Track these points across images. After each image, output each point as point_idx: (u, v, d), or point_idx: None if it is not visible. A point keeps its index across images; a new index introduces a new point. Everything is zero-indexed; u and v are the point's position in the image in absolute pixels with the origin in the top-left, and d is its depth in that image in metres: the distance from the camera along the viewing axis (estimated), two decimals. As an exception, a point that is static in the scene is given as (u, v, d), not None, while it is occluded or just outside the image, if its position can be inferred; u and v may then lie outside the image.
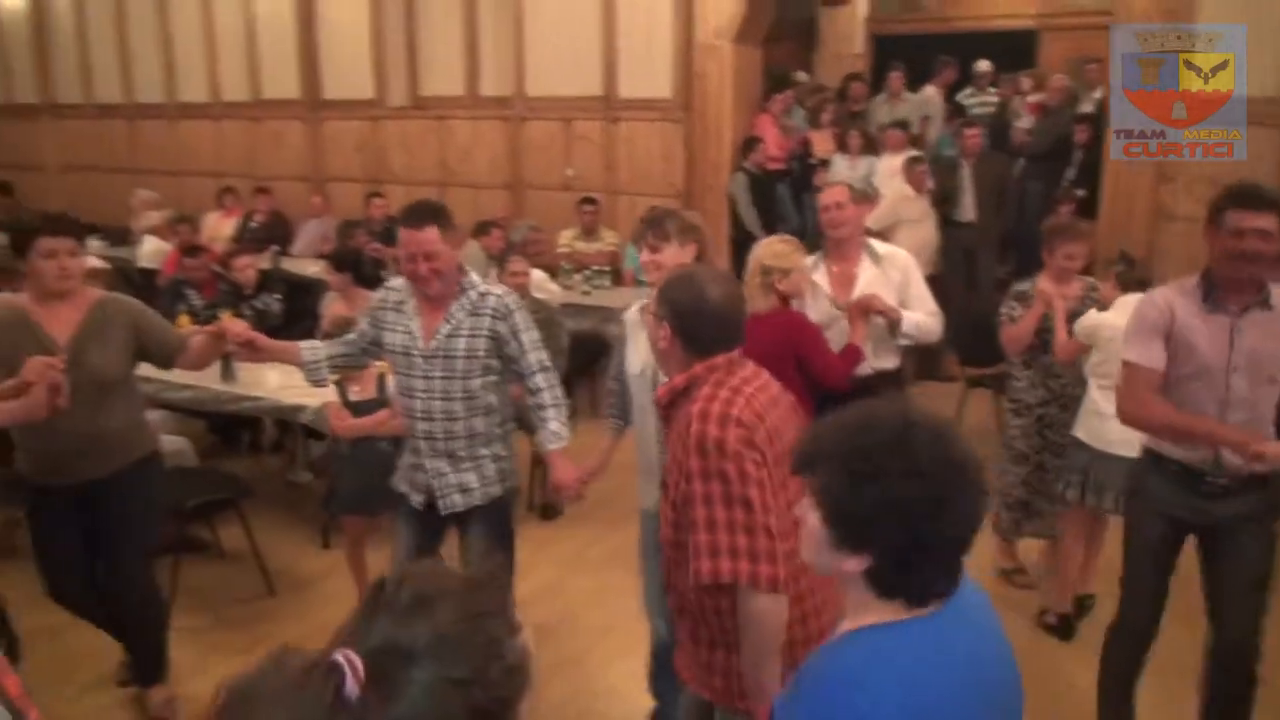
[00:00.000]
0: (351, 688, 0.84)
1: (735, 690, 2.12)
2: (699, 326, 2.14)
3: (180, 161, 10.72)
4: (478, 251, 6.59)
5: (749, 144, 7.64)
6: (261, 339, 3.08)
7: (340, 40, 9.45)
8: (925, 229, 6.74)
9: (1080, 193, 6.68)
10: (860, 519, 1.28)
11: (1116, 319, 3.53)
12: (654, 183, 8.12)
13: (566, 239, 7.78)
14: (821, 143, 7.86)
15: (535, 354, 3.02)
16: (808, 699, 1.31)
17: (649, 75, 7.99)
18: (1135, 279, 3.82)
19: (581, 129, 8.43)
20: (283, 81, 9.80)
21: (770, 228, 7.44)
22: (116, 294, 3.42)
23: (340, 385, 3.85)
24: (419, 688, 0.86)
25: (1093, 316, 3.76)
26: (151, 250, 7.54)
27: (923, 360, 7.17)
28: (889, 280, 3.78)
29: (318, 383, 3.30)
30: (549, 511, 4.97)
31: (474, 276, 3.06)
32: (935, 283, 6.92)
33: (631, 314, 3.09)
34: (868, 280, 3.79)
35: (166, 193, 10.13)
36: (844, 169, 7.50)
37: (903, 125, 7.51)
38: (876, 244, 3.94)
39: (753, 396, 2.08)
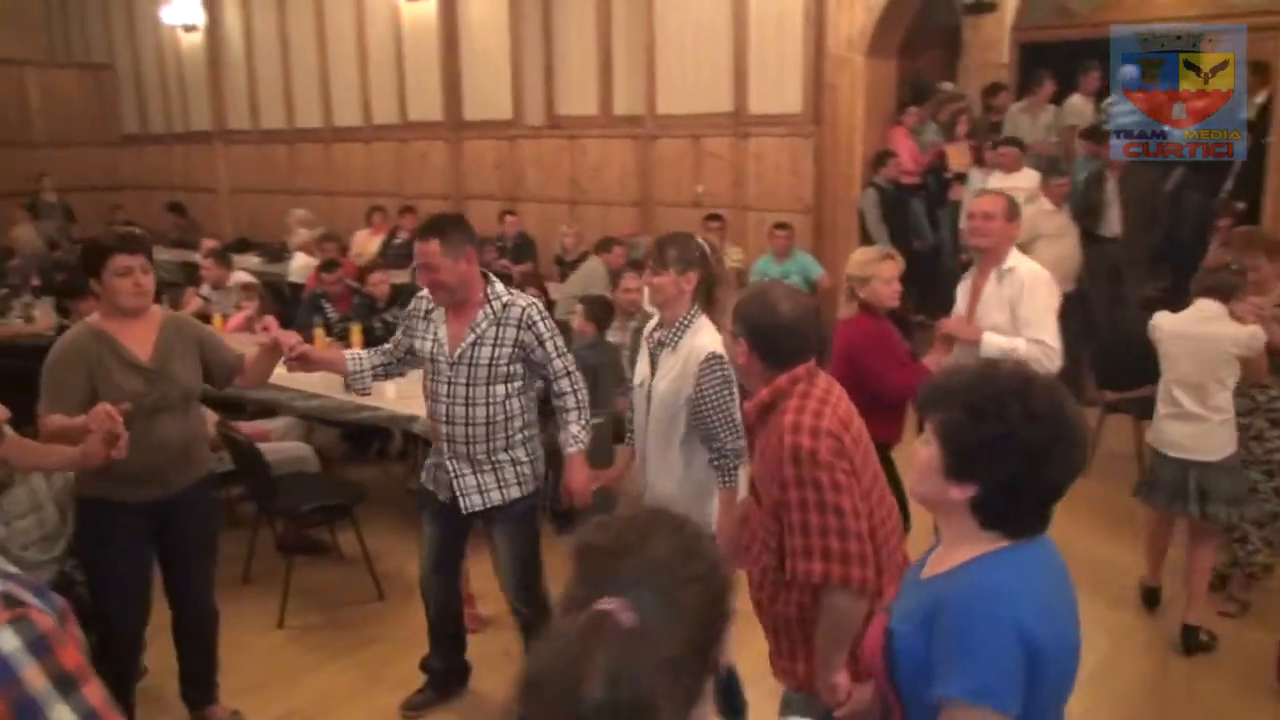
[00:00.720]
0: (630, 619, 0.96)
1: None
2: (774, 340, 2.23)
3: (334, 182, 11.32)
4: (599, 267, 6.66)
5: (880, 158, 7.45)
6: (313, 351, 3.19)
7: (481, 63, 9.77)
8: (1064, 244, 6.37)
9: (1240, 205, 6.18)
10: (975, 451, 1.45)
11: None
12: (782, 198, 8.02)
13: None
14: (957, 156, 7.58)
15: (560, 360, 3.13)
16: (959, 617, 1.43)
17: (779, 90, 7.91)
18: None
19: (711, 145, 8.42)
20: (427, 104, 10.21)
21: (903, 243, 7.21)
22: (180, 313, 3.57)
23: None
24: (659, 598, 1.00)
25: None
26: (300, 266, 7.96)
27: (1063, 381, 6.79)
28: (1004, 297, 3.58)
29: (362, 390, 3.45)
30: (562, 520, 4.90)
31: (499, 287, 3.13)
32: (1078, 300, 6.63)
33: (646, 330, 3.17)
34: (987, 297, 3.63)
35: (321, 212, 10.72)
36: (980, 183, 7.20)
37: (1016, 143, 7.11)
38: (1013, 258, 3.64)
39: (836, 406, 2.19)
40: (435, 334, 3.12)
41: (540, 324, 3.10)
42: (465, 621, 3.62)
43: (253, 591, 4.27)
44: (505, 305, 3.08)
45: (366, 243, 9.55)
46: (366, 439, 6.08)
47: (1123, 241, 6.56)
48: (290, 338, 3.09)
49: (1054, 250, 6.39)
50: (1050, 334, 3.46)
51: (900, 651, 1.52)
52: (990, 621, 1.41)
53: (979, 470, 1.46)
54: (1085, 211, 6.56)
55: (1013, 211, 3.57)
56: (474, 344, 3.05)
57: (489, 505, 3.16)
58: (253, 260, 9.54)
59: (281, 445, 4.60)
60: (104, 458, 2.61)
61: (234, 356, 3.25)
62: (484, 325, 3.05)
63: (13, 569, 1.25)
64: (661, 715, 0.94)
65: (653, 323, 3.13)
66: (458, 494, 3.14)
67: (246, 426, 4.69)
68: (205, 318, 6.33)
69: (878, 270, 3.53)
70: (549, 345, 3.11)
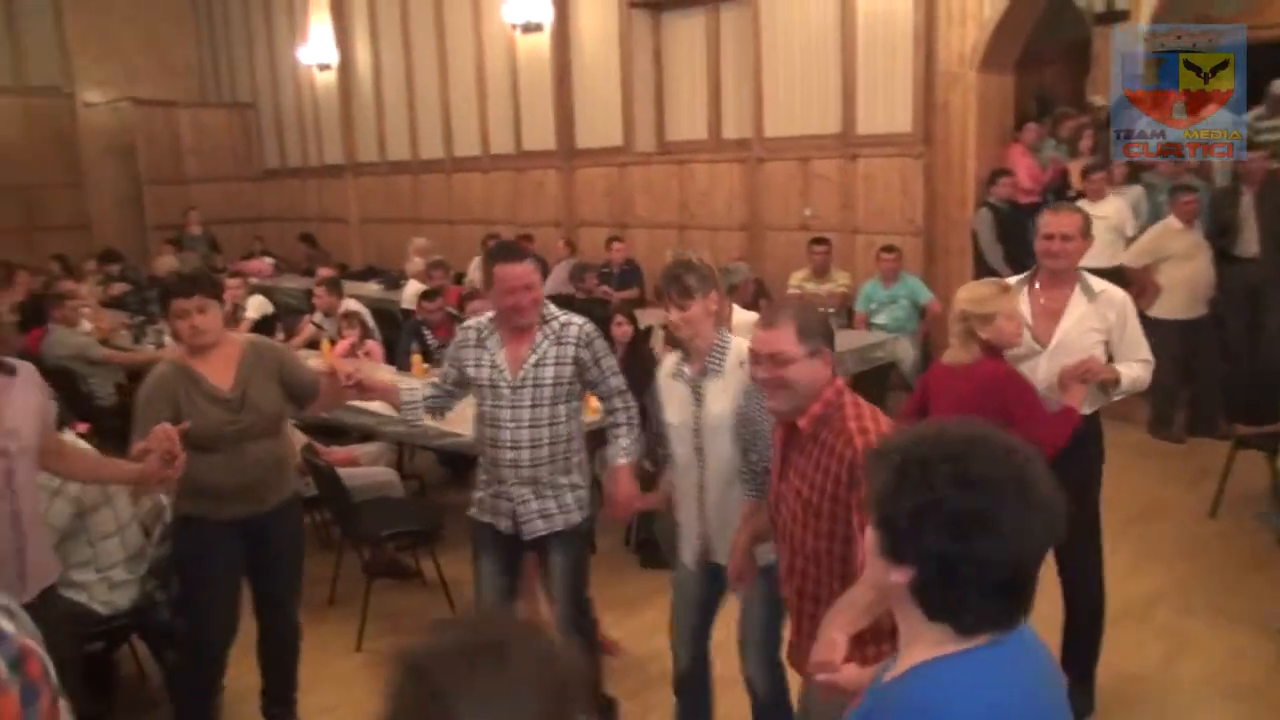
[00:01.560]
0: None
1: None
2: (832, 349, 2.31)
3: (454, 211, 11.66)
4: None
5: (993, 176, 7.12)
6: (368, 379, 3.20)
7: (593, 92, 9.89)
8: (1196, 265, 5.93)
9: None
10: (903, 524, 1.23)
11: None
12: (892, 220, 7.78)
13: (797, 280, 7.62)
14: (1080, 173, 7.17)
15: (615, 379, 3.20)
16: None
17: (888, 109, 7.69)
18: None
19: (819, 168, 8.24)
20: (541, 133, 10.40)
21: (1020, 266, 6.86)
22: (261, 337, 3.66)
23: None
24: None
25: None
26: (411, 293, 8.18)
27: (1193, 413, 6.30)
28: (1103, 320, 3.35)
29: (413, 422, 3.51)
30: (649, 556, 4.78)
31: (553, 308, 3.16)
32: (1210, 325, 6.16)
33: (666, 368, 3.06)
34: (1078, 317, 3.36)
35: (442, 240, 11.05)
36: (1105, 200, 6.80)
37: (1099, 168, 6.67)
38: (1093, 279, 3.47)
39: (882, 416, 2.26)
40: (492, 360, 3.11)
41: (596, 342, 3.16)
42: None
43: (336, 614, 4.36)
44: (563, 324, 3.12)
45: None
46: (463, 464, 6.17)
47: (1260, 262, 6.05)
48: (346, 366, 3.15)
49: (1184, 271, 5.98)
50: (1148, 350, 3.38)
51: None
52: None
53: (911, 549, 1.23)
54: (1220, 230, 6.09)
55: (1087, 228, 3.36)
56: (536, 364, 3.07)
57: (551, 530, 3.14)
58: (373, 288, 9.89)
59: (369, 470, 4.69)
60: (160, 476, 2.71)
61: (311, 380, 3.33)
62: (544, 345, 3.08)
63: None
64: None
65: (671, 361, 3.03)
66: (521, 520, 3.12)
67: (339, 453, 4.81)
68: (315, 343, 6.60)
69: (1000, 306, 3.15)
70: (604, 364, 3.17)
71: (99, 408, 6.26)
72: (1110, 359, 3.35)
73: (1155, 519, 5.17)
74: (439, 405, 3.35)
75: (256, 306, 7.75)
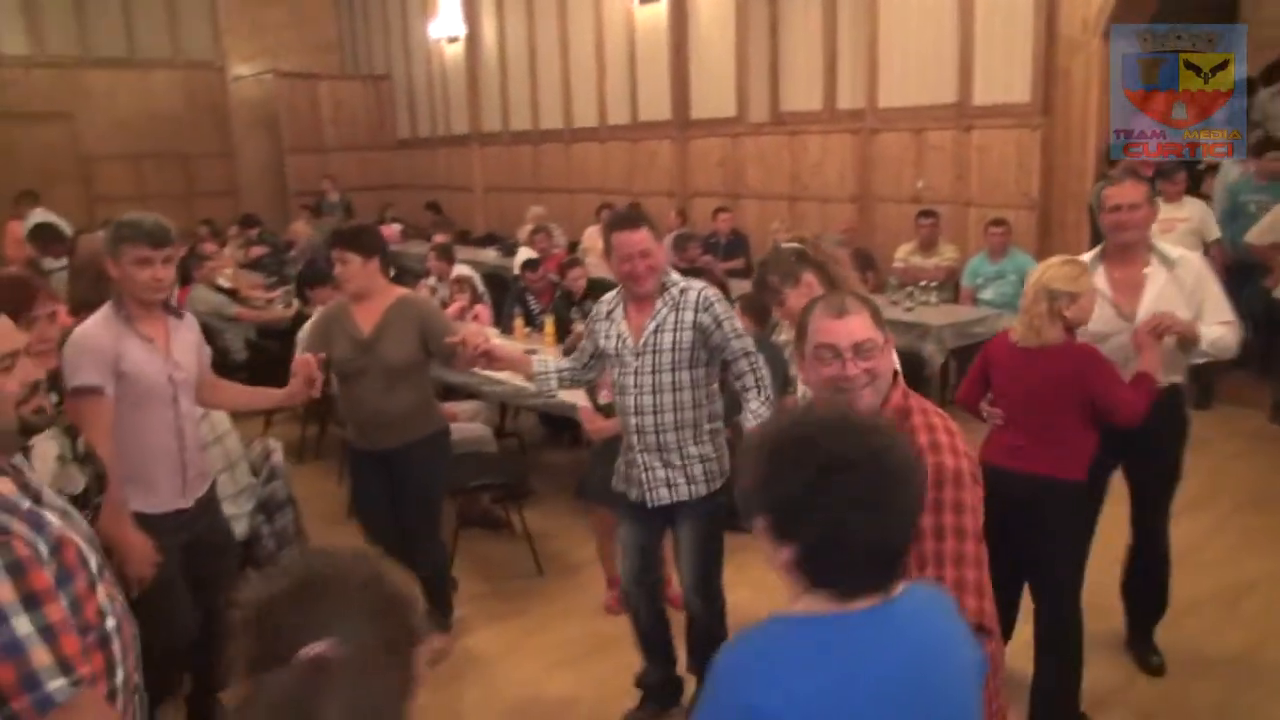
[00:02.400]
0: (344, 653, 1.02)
1: None
2: None
3: (572, 180, 11.90)
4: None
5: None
6: (497, 349, 3.32)
7: (708, 63, 9.92)
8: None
9: None
10: (782, 508, 1.29)
11: None
12: (1007, 193, 7.57)
13: (902, 253, 7.53)
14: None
15: (739, 341, 3.09)
16: (710, 684, 1.32)
17: (1006, 79, 7.47)
18: None
19: (933, 139, 8.08)
20: (657, 104, 10.50)
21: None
22: (414, 294, 3.99)
23: (591, 390, 4.10)
24: None
25: None
26: (522, 259, 8.46)
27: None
28: (1182, 287, 3.27)
29: (546, 393, 3.59)
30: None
31: (674, 275, 3.19)
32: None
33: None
34: (1159, 287, 3.28)
35: (560, 208, 11.33)
36: (1235, 173, 6.47)
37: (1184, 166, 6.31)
38: (1167, 247, 3.40)
39: (958, 430, 1.98)
40: (618, 331, 3.17)
41: (716, 306, 3.10)
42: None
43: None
44: (682, 291, 3.11)
45: (595, 239, 9.98)
46: (563, 424, 6.40)
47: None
48: (477, 336, 3.33)
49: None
50: (1231, 312, 3.31)
51: None
52: (724, 683, 1.29)
53: (790, 527, 1.29)
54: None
55: (1151, 196, 3.32)
56: (656, 330, 3.07)
57: (676, 500, 3.14)
58: (491, 254, 10.24)
59: (465, 426, 4.95)
60: (304, 396, 3.27)
61: (449, 342, 3.48)
62: (664, 312, 3.08)
63: (28, 505, 1.49)
64: None
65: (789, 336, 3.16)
66: (646, 488, 3.15)
67: (445, 409, 5.08)
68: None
69: (1087, 285, 3.07)
70: (726, 326, 3.08)
71: (232, 361, 6.76)
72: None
73: (1265, 509, 4.96)
74: (573, 378, 3.42)
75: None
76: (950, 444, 1.90)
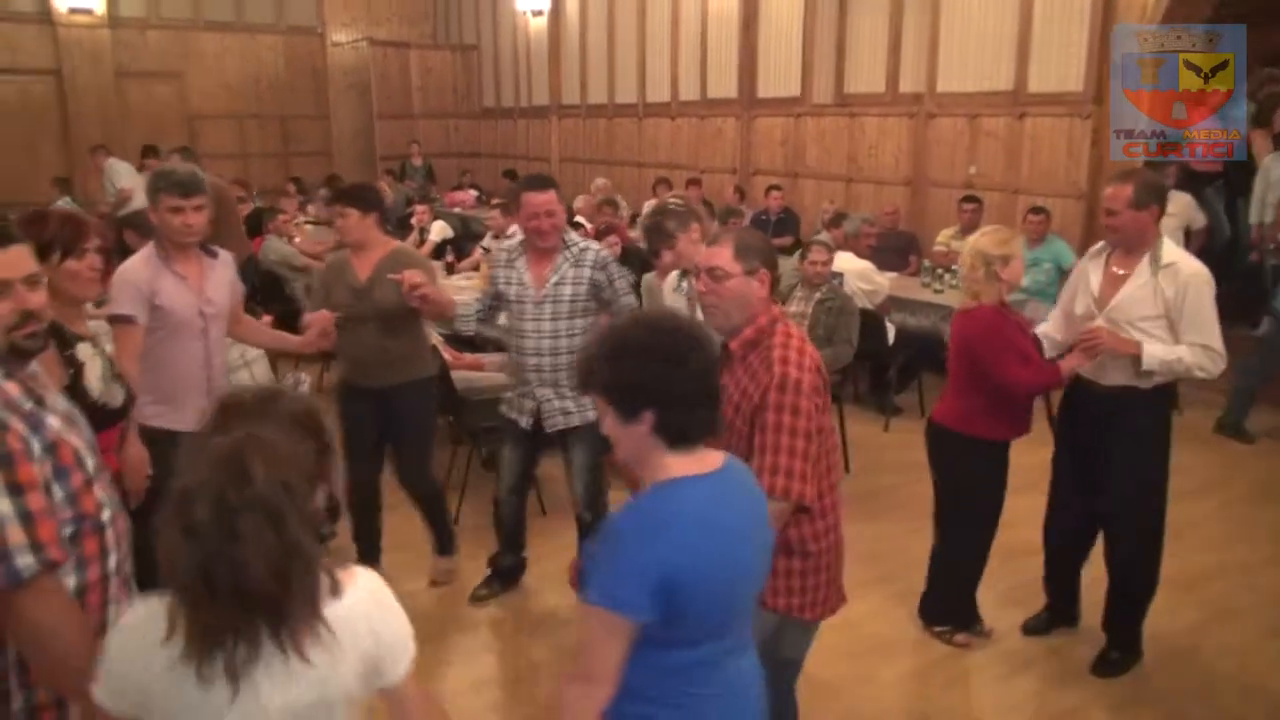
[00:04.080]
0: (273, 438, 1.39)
1: (798, 600, 2.42)
2: (776, 272, 2.45)
3: (643, 154, 12.18)
4: (827, 239, 6.77)
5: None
6: (431, 291, 3.70)
7: (776, 42, 10.06)
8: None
9: None
10: (627, 391, 1.68)
11: None
12: (1056, 182, 7.57)
13: (944, 237, 7.61)
14: (1260, 142, 6.72)
15: (627, 298, 3.62)
16: (611, 535, 1.67)
17: (1061, 67, 7.45)
18: None
19: (987, 125, 8.10)
20: (725, 82, 10.69)
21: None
22: (406, 247, 4.34)
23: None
24: None
25: None
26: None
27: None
28: (1157, 294, 3.26)
29: (464, 331, 4.17)
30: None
31: (574, 235, 3.62)
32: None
33: (669, 284, 3.90)
34: (1134, 288, 3.30)
35: (631, 181, 11.64)
36: (1277, 173, 6.39)
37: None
38: (1169, 250, 3.34)
39: (810, 346, 2.38)
40: (520, 278, 3.61)
41: (610, 266, 3.62)
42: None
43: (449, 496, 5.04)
44: (582, 250, 3.58)
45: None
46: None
47: None
48: (414, 277, 3.68)
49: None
50: (1215, 338, 3.21)
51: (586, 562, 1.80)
52: (632, 542, 1.62)
53: (637, 403, 1.67)
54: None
55: (1142, 199, 3.23)
56: (557, 283, 3.54)
57: (568, 426, 3.63)
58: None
59: (490, 375, 5.30)
60: (317, 345, 3.74)
61: (392, 278, 3.84)
62: (565, 267, 3.56)
63: (30, 406, 1.74)
64: (297, 499, 1.33)
65: (673, 278, 3.94)
66: (544, 416, 3.62)
67: (467, 358, 5.45)
68: (475, 266, 7.33)
69: (1017, 248, 3.34)
70: (617, 284, 3.61)
71: (296, 308, 7.28)
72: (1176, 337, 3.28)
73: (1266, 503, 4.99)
74: (485, 318, 3.91)
75: (438, 230, 8.61)
76: (797, 360, 2.28)
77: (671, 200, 4.02)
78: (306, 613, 1.36)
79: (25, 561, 1.60)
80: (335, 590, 1.42)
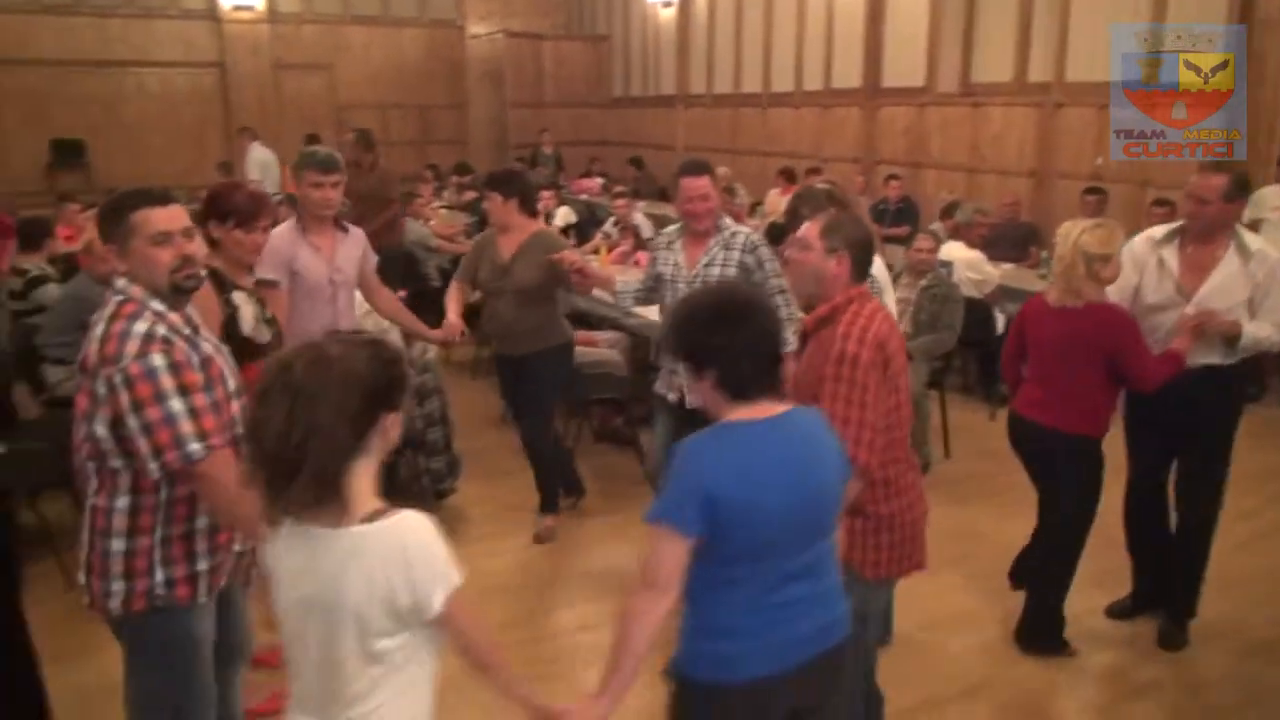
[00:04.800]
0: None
1: (858, 557, 2.60)
2: (865, 259, 2.61)
3: (768, 143, 12.31)
4: (939, 228, 6.83)
5: (1301, 132, 6.57)
6: (589, 269, 4.03)
7: (901, 31, 10.04)
8: None
9: None
10: (695, 352, 1.96)
11: None
12: (1186, 174, 7.34)
13: (1065, 228, 7.49)
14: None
15: (776, 280, 3.72)
16: (674, 461, 1.95)
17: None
18: None
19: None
20: (849, 72, 10.73)
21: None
22: (548, 230, 4.67)
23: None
24: None
25: None
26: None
27: None
28: (1249, 278, 3.38)
29: (627, 308, 4.41)
30: None
31: (727, 219, 3.79)
32: None
33: None
34: (1225, 276, 3.41)
35: (754, 171, 11.79)
36: None
37: None
38: (1249, 236, 3.48)
39: (882, 322, 2.53)
40: (676, 260, 3.83)
41: (760, 250, 3.75)
42: None
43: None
44: (733, 234, 3.76)
45: (776, 201, 10.40)
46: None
47: None
48: (570, 256, 4.06)
49: None
50: None
51: None
52: (684, 466, 1.90)
53: (706, 363, 1.94)
54: None
55: (1233, 193, 3.35)
56: (707, 265, 3.73)
57: None
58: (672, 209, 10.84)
59: (601, 351, 5.62)
60: (442, 340, 4.22)
61: (551, 259, 4.20)
62: (716, 250, 3.74)
63: (188, 332, 2.20)
64: (331, 397, 1.56)
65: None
66: (687, 393, 3.69)
67: (581, 335, 5.78)
68: (595, 250, 7.66)
69: (1119, 246, 3.34)
70: (767, 267, 3.74)
71: (429, 286, 7.77)
72: (1252, 316, 3.40)
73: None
74: (647, 298, 4.10)
75: (563, 216, 8.99)
76: (858, 336, 2.45)
77: (821, 184, 4.10)
78: (313, 491, 1.55)
79: (195, 447, 2.06)
80: (371, 518, 1.60)
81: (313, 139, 11.28)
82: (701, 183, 3.68)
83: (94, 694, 3.11)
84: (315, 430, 1.54)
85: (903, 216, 8.85)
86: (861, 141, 10.72)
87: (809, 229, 2.63)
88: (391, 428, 1.66)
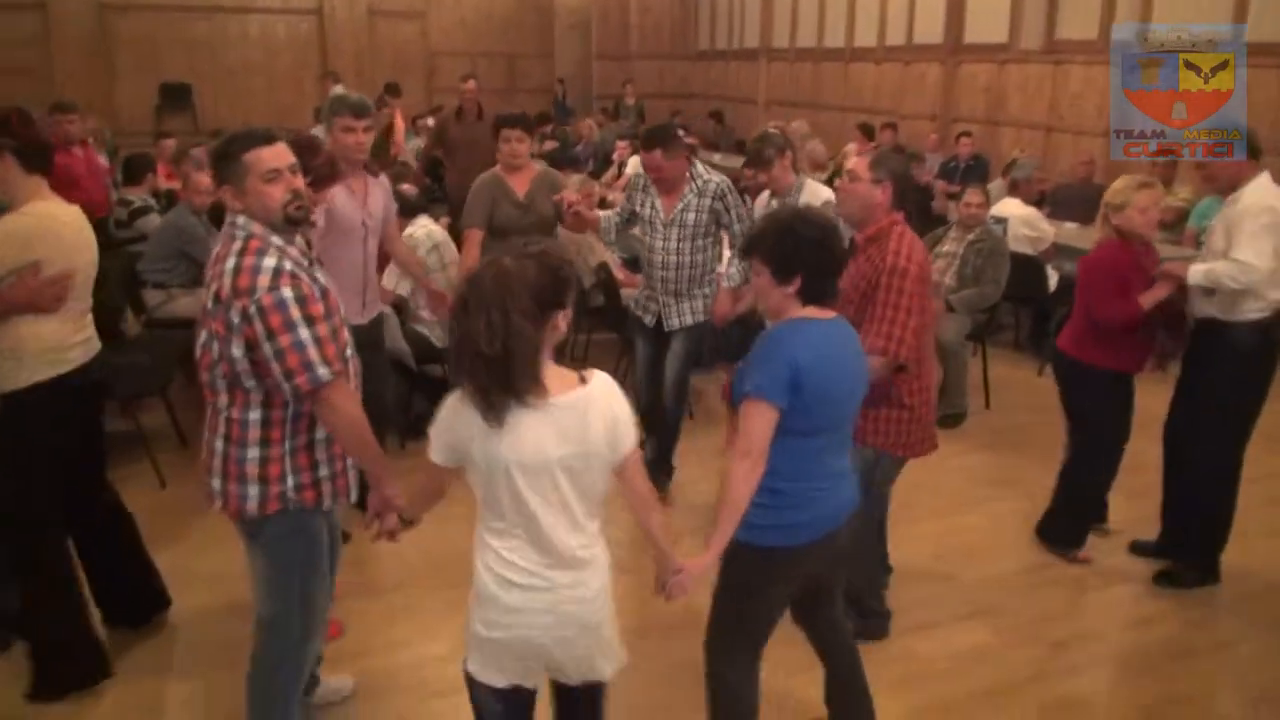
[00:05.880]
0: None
1: (893, 440, 3.04)
2: (905, 189, 3.05)
3: (848, 98, 12.27)
4: (1000, 188, 6.85)
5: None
6: (584, 212, 4.30)
7: (987, -15, 9.90)
8: None
9: None
10: (790, 259, 2.30)
11: None
12: (1268, 135, 7.17)
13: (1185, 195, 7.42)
14: None
15: (739, 225, 4.14)
16: (761, 346, 2.31)
17: (1284, 14, 7.06)
18: None
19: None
20: (932, 27, 10.62)
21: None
22: (549, 168, 4.89)
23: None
24: None
25: None
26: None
27: None
28: (1225, 219, 3.57)
29: (609, 243, 4.79)
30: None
31: (700, 167, 4.15)
32: None
33: (760, 203, 4.44)
34: (1215, 223, 3.67)
35: (832, 126, 11.78)
36: None
37: None
38: (1252, 188, 3.53)
39: (920, 246, 3.01)
40: (653, 203, 4.20)
41: (729, 196, 4.15)
42: None
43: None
44: (705, 182, 4.13)
45: (850, 157, 10.42)
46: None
47: None
48: (570, 197, 4.35)
49: None
50: (1251, 253, 3.39)
51: (737, 378, 2.33)
52: (774, 350, 2.25)
53: (795, 270, 2.28)
54: None
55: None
56: (682, 209, 4.12)
57: (682, 325, 4.24)
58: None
59: (628, 291, 5.86)
60: (442, 298, 4.30)
61: (554, 200, 4.51)
62: (690, 196, 4.13)
63: (308, 264, 2.44)
64: (518, 300, 1.87)
65: (764, 197, 4.51)
66: (664, 318, 4.25)
67: (625, 276, 6.01)
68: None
69: (1132, 198, 3.57)
70: (733, 213, 4.17)
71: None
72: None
73: None
74: (621, 229, 4.43)
75: (634, 165, 9.18)
76: (907, 253, 2.91)
77: (771, 127, 4.51)
78: (529, 380, 1.88)
79: (322, 371, 2.26)
80: (584, 380, 1.97)
81: (391, 89, 11.57)
82: (652, 157, 4.02)
83: (176, 574, 3.55)
84: (514, 331, 1.87)
85: (971, 174, 8.82)
86: (940, 98, 10.63)
87: (858, 163, 3.08)
88: (562, 321, 1.98)
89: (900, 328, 2.86)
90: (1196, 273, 3.48)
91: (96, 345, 3.11)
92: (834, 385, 2.29)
